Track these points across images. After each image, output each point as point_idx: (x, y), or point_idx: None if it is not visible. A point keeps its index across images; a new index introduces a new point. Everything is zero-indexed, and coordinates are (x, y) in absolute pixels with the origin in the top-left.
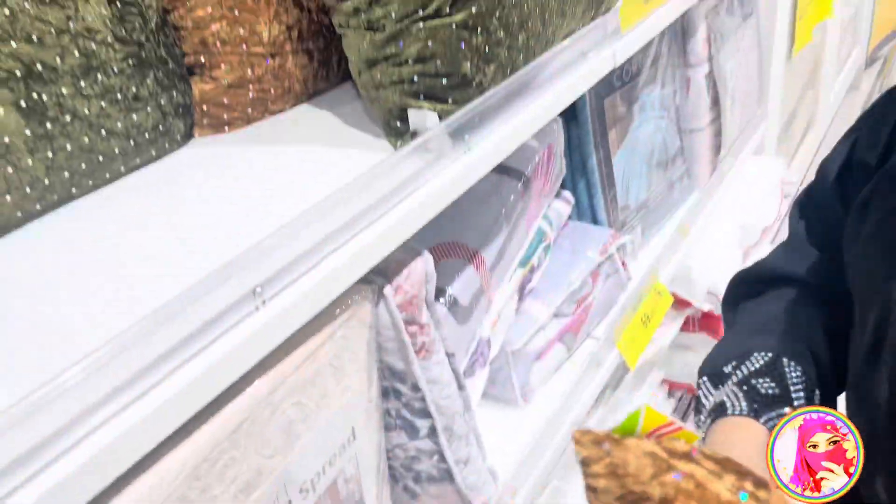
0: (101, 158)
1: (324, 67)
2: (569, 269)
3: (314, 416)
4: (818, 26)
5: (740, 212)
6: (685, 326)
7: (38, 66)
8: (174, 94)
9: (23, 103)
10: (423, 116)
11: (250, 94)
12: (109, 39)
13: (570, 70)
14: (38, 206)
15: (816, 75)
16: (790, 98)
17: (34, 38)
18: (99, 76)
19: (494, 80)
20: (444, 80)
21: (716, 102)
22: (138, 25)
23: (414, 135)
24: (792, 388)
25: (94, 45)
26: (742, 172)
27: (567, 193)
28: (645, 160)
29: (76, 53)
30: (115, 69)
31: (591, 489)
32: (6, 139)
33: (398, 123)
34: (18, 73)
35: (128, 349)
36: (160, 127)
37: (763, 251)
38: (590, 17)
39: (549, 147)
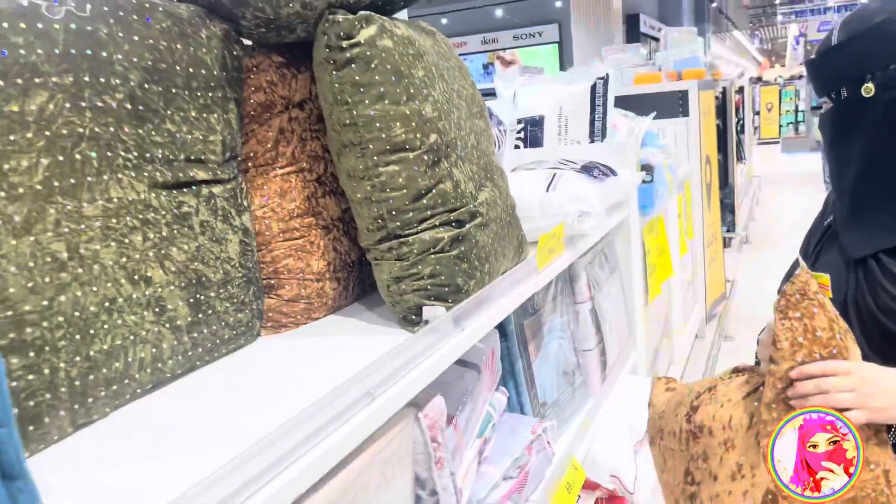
0: (218, 341)
1: (345, 290)
2: (510, 443)
3: (384, 490)
4: (666, 283)
5: (627, 415)
6: None
7: (203, 279)
8: (259, 303)
9: (191, 300)
10: (433, 311)
11: (301, 306)
12: (237, 265)
13: (509, 291)
14: (179, 371)
15: (667, 324)
16: (654, 334)
17: (209, 262)
18: (229, 288)
19: (475, 290)
20: (447, 289)
21: (599, 330)
22: (250, 258)
23: (426, 323)
24: None
25: (229, 268)
26: (624, 386)
27: (503, 388)
28: (554, 369)
29: (221, 273)
30: (237, 284)
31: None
32: (178, 322)
33: (414, 317)
34: (193, 280)
35: (285, 436)
36: (250, 324)
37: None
38: (515, 262)
39: (492, 351)
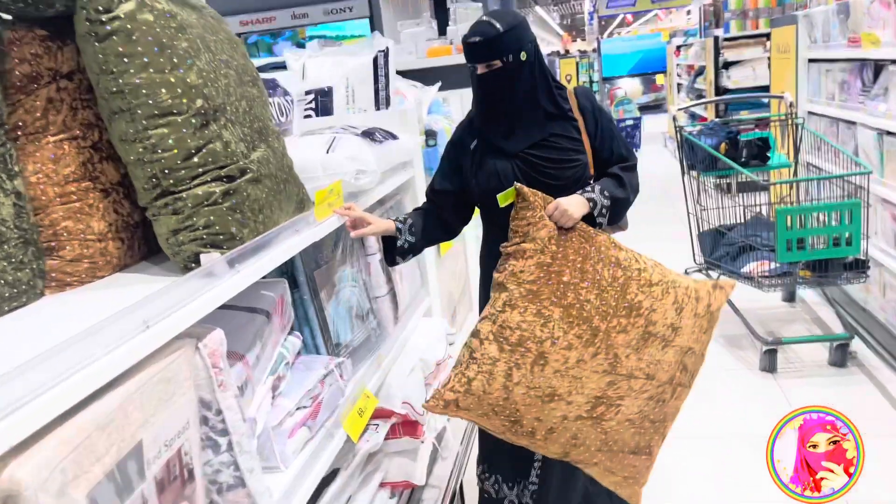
0: None
1: (130, 249)
2: (304, 378)
3: (165, 405)
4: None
5: (419, 351)
6: (393, 434)
7: None
8: (40, 263)
9: None
10: (210, 258)
11: (85, 265)
12: (12, 226)
13: (288, 239)
14: None
15: (467, 270)
16: (446, 283)
17: None
18: (5, 248)
19: (249, 237)
20: (221, 237)
21: (390, 279)
22: (26, 220)
23: None
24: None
25: (3, 229)
26: (417, 327)
27: (297, 333)
28: (347, 314)
29: None
30: (13, 244)
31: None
32: None
33: (193, 265)
34: None
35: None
36: (31, 282)
37: (438, 378)
38: (297, 212)
39: (281, 297)
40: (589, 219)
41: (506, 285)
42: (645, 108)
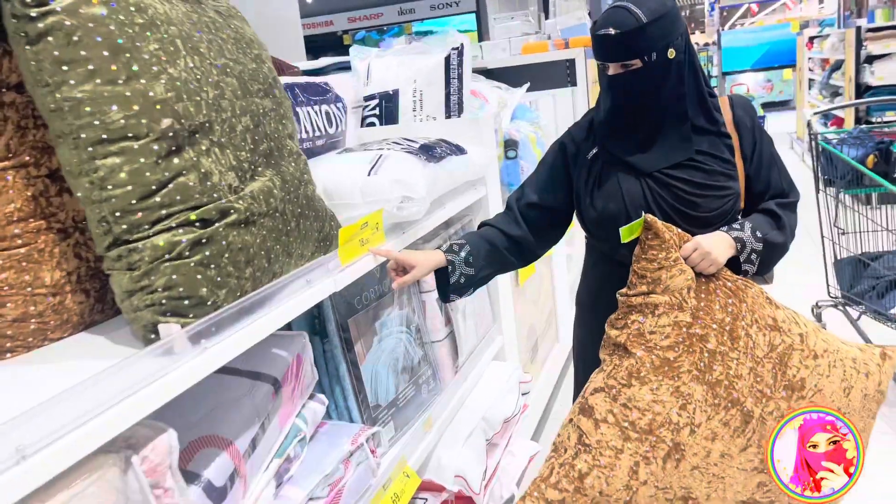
0: None
1: (99, 302)
2: (323, 458)
3: None
4: (546, 261)
5: (482, 408)
6: None
7: None
8: None
9: None
10: (169, 329)
11: (32, 327)
12: None
13: (297, 293)
14: None
15: (554, 303)
16: (527, 315)
17: None
18: None
19: (228, 300)
20: (186, 302)
21: (449, 320)
22: None
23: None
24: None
25: None
26: (483, 375)
27: (321, 396)
28: (391, 367)
29: None
30: None
31: None
32: None
33: (152, 336)
34: None
35: None
36: None
37: (506, 438)
38: (319, 253)
39: (298, 357)
40: (732, 265)
41: (631, 350)
42: (769, 106)
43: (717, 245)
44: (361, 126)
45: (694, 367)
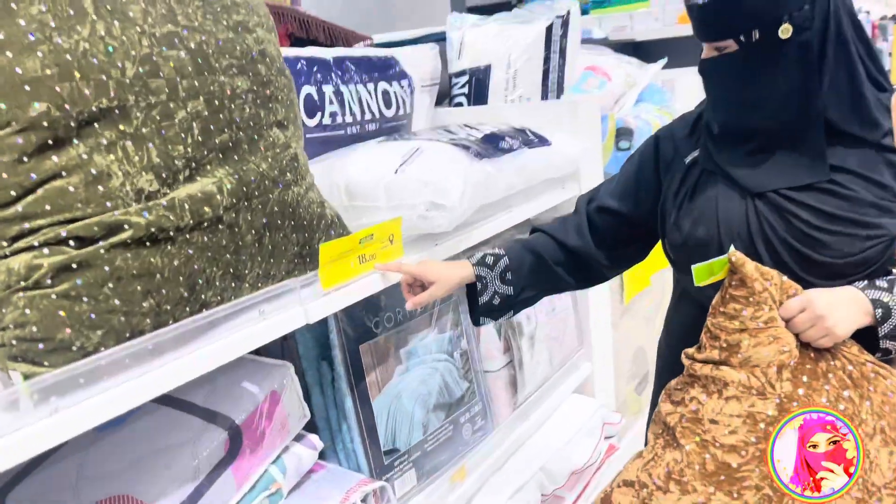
0: None
1: None
2: None
3: None
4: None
5: (544, 455)
6: None
7: None
8: None
9: None
10: (17, 378)
11: None
12: None
13: (240, 328)
14: None
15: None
16: (634, 335)
17: None
18: None
19: (107, 343)
20: (41, 345)
21: (509, 346)
22: None
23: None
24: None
25: None
26: (555, 413)
27: (312, 438)
28: (419, 404)
29: None
30: None
31: None
32: None
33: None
34: None
35: None
36: None
37: (575, 492)
38: (298, 273)
39: (273, 395)
40: (863, 339)
41: (679, 439)
42: None
43: (842, 307)
44: (450, 106)
45: (766, 484)
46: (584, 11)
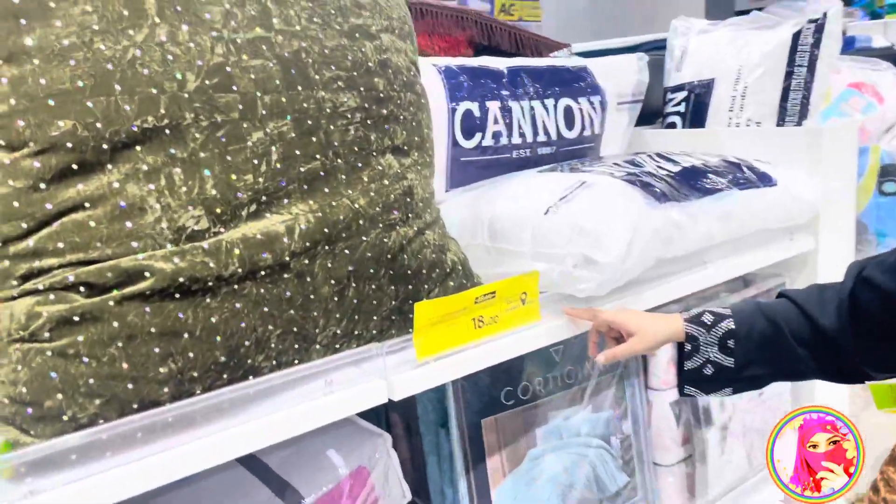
0: None
1: None
2: None
3: None
4: None
5: None
6: None
7: None
8: None
9: None
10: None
11: None
12: None
13: (301, 402)
14: None
15: None
16: (876, 440)
17: None
18: None
19: (108, 413)
20: (29, 410)
21: (689, 437)
22: None
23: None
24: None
25: None
26: None
27: None
28: (557, 495)
29: None
30: None
31: None
32: None
33: None
34: None
35: None
36: None
37: None
38: (394, 336)
39: (360, 471)
40: None
41: None
42: None
43: None
44: (661, 127)
45: None
46: (876, 15)
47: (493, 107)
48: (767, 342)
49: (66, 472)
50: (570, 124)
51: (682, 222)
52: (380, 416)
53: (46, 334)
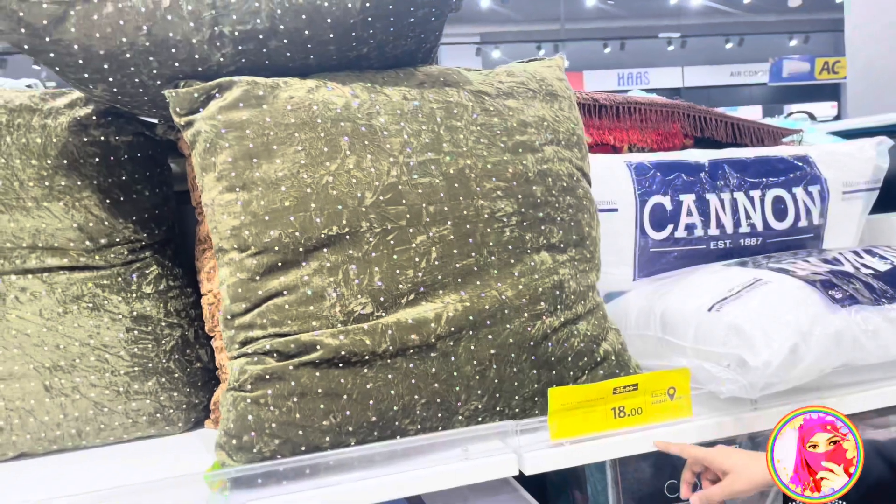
0: (101, 427)
1: None
2: None
3: None
4: None
5: None
6: None
7: (61, 362)
8: (175, 394)
9: (47, 383)
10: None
11: None
12: (122, 352)
13: (440, 464)
14: (54, 447)
15: None
16: None
17: (60, 346)
18: (107, 375)
19: (280, 454)
20: (233, 441)
21: None
22: (150, 346)
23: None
24: None
25: (107, 355)
26: None
27: None
28: None
29: (91, 359)
30: (122, 371)
31: None
32: (32, 402)
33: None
34: (46, 365)
35: None
36: (161, 414)
37: None
38: (529, 414)
39: None
40: None
41: None
42: None
43: None
44: None
45: None
46: None
47: (687, 199)
48: (882, 488)
49: (253, 492)
50: (780, 215)
51: (878, 327)
52: (559, 490)
53: (249, 386)
